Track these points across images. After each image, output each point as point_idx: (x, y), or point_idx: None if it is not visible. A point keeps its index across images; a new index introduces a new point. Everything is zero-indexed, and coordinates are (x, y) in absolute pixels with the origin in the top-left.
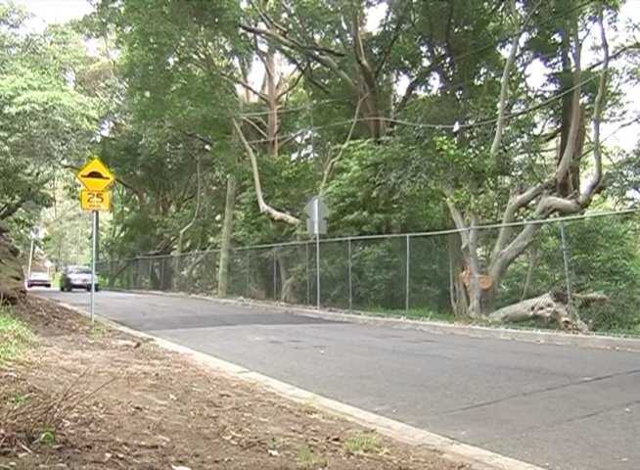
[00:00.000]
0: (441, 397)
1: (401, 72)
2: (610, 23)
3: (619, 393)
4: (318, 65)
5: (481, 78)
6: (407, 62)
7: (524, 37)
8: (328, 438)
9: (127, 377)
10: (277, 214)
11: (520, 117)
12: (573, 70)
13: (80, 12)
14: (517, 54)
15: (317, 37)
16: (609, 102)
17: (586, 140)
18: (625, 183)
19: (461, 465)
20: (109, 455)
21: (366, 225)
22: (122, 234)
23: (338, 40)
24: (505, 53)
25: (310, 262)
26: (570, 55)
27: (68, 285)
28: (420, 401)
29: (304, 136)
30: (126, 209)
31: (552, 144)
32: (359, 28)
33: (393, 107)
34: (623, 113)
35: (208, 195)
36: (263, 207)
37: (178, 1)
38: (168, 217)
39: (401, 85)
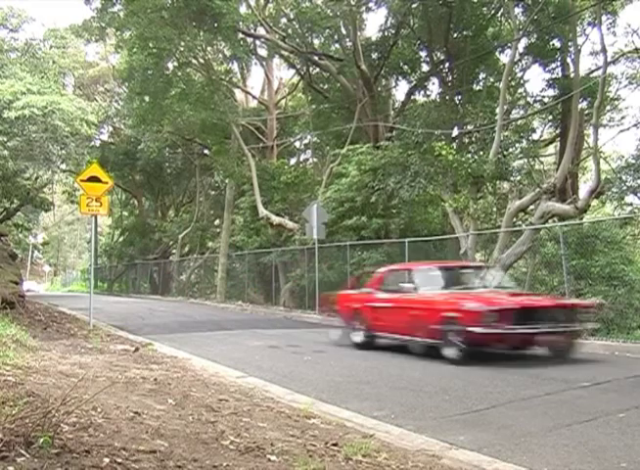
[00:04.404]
0: (440, 402)
1: (400, 77)
2: (609, 29)
3: (618, 398)
4: (317, 69)
5: (480, 83)
6: (406, 67)
7: (523, 42)
8: (326, 443)
9: (126, 382)
10: (276, 219)
11: (519, 122)
12: (572, 75)
13: (80, 16)
14: (516, 59)
15: (316, 42)
16: (607, 107)
17: (585, 145)
18: (624, 188)
19: None
20: (107, 460)
21: (365, 230)
22: (121, 239)
23: (337, 45)
24: (504, 58)
25: (309, 267)
26: (568, 60)
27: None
28: (418, 406)
29: (303, 141)
30: (125, 213)
31: (551, 149)
32: (358, 33)
33: (392, 112)
34: (622, 118)
35: (207, 200)
36: (262, 211)
37: (177, 6)
38: (167, 222)
39: (400, 90)
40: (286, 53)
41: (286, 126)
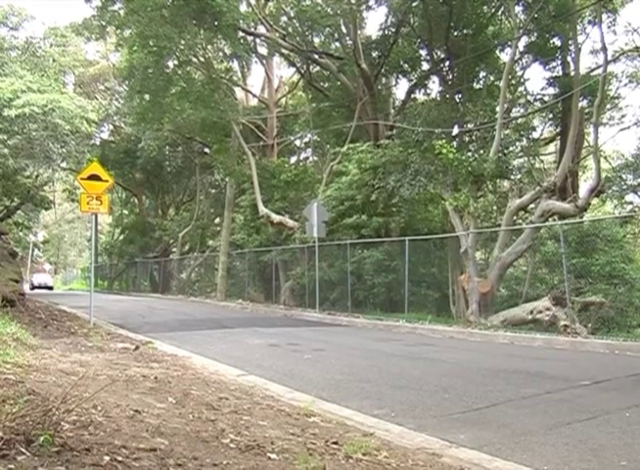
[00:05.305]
0: (440, 400)
1: (401, 76)
2: (609, 27)
3: (618, 396)
4: (317, 68)
5: (481, 82)
6: (406, 65)
7: (523, 41)
8: (327, 441)
9: (126, 380)
10: (276, 218)
11: (519, 120)
12: (573, 73)
13: (80, 15)
14: (516, 58)
15: (316, 41)
16: (608, 106)
17: (585, 144)
18: (624, 187)
19: (460, 469)
20: (107, 458)
21: (365, 229)
22: (121, 237)
23: (337, 44)
24: (504, 57)
25: (309, 266)
26: (569, 59)
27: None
28: (419, 405)
29: (304, 139)
30: (125, 211)
31: (551, 148)
32: (359, 32)
33: (393, 110)
34: (622, 116)
35: (207, 198)
36: (262, 210)
37: (178, 4)
38: (167, 220)
39: (401, 89)
40: (286, 51)
41: (286, 125)
